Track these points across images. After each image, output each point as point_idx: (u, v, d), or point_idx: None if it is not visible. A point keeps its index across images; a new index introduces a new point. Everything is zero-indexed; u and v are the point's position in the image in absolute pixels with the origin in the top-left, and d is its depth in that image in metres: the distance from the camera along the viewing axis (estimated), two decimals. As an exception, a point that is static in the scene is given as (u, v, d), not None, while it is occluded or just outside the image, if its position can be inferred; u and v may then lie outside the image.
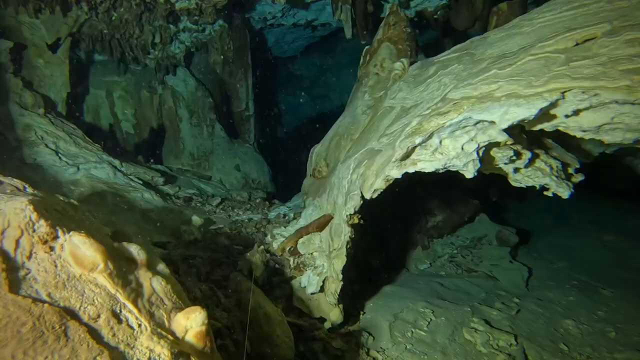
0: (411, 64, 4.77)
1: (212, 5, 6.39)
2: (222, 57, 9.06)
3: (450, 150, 2.98)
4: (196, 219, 5.20)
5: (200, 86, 9.36)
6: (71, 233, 1.69)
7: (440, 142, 3.00)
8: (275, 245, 4.85)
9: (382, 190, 3.31)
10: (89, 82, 8.18)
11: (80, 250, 1.65)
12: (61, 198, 2.52)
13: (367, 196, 3.44)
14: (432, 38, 10.11)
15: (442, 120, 2.89)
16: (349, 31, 6.91)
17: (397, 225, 6.93)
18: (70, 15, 6.10)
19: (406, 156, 3.02)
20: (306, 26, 10.59)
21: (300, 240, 4.49)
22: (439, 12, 7.96)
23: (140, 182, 5.98)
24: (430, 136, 2.94)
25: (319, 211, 4.76)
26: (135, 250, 1.94)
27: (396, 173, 3.09)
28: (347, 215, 3.76)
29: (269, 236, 5.30)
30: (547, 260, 7.21)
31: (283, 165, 14.70)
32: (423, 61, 4.63)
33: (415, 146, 2.94)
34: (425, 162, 3.01)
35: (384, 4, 7.60)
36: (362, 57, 5.64)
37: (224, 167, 9.40)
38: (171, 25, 7.33)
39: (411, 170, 3.06)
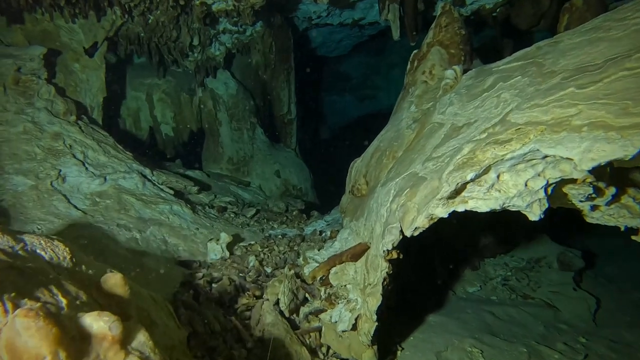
0: (465, 71, 4.16)
1: (249, 7, 6.06)
2: (263, 58, 8.76)
3: (510, 188, 2.40)
4: (224, 237, 4.89)
5: (242, 89, 9.12)
6: (17, 312, 1.34)
7: (498, 176, 2.43)
8: (306, 270, 4.43)
9: (424, 229, 2.78)
10: (129, 84, 8.16)
11: (20, 339, 1.29)
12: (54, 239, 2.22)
13: (407, 233, 2.92)
14: (488, 37, 9.25)
15: (501, 151, 2.32)
16: (397, 32, 6.34)
17: (442, 244, 6.31)
18: (107, 19, 5.98)
19: (455, 193, 2.48)
20: (353, 25, 10.08)
21: (333, 270, 4.04)
22: (498, 10, 7.17)
23: (172, 192, 5.77)
24: (486, 171, 2.37)
25: (355, 237, 4.28)
26: (105, 323, 1.56)
27: (442, 212, 2.56)
28: (384, 251, 3.26)
29: (301, 258, 4.90)
30: (620, 289, 6.27)
31: (327, 170, 14.31)
32: (479, 69, 4.00)
33: (467, 182, 2.39)
34: (479, 201, 2.45)
35: (436, 1, 6.95)
36: (409, 63, 5.08)
37: (263, 173, 9.12)
38: (210, 27, 7.10)
39: (460, 209, 2.52)
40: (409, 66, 5.07)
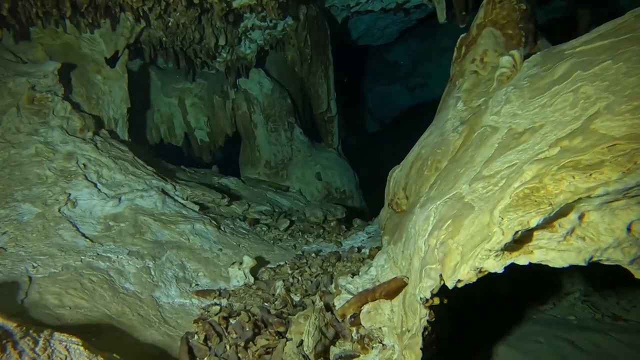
0: (527, 56, 3.27)
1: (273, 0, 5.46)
2: (299, 53, 8.14)
3: (602, 233, 1.59)
4: (248, 261, 4.36)
5: (277, 87, 8.57)
6: None
7: (581, 217, 1.63)
8: (337, 302, 3.79)
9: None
10: (161, 90, 7.90)
11: None
12: None
13: (449, 284, 2.18)
14: (558, 9, 7.96)
15: (586, 183, 1.52)
16: (443, 14, 5.45)
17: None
18: (125, 26, 5.64)
19: (513, 242, 1.71)
20: (397, 10, 9.19)
21: (365, 308, 3.36)
22: (568, -26, 6.00)
23: (197, 207, 5.34)
24: (562, 212, 1.59)
25: (393, 266, 3.56)
26: None
27: (494, 265, 1.80)
28: (421, 298, 2.53)
29: (333, 284, 4.25)
30: None
31: (375, 166, 13.50)
32: (545, 52, 3.11)
33: (532, 229, 1.61)
34: (550, 252, 1.68)
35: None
36: (455, 50, 4.22)
37: (303, 176, 8.55)
38: (235, 25, 6.59)
39: (523, 262, 1.75)
40: (455, 54, 4.21)
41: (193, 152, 8.52)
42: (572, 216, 1.62)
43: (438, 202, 2.75)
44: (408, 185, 3.84)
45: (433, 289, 2.42)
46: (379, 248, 4.76)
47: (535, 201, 1.66)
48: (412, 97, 15.57)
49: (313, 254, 5.10)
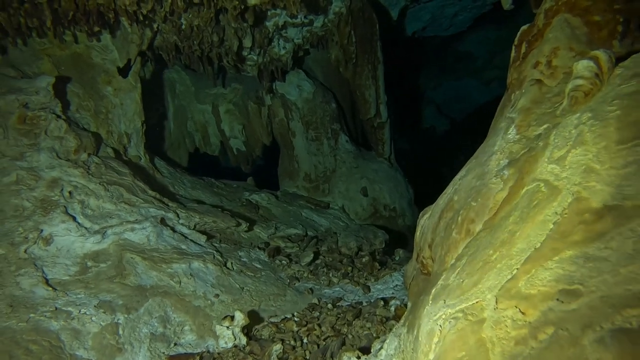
0: (623, 58, 2.03)
1: (294, -8, 4.56)
2: (342, 52, 7.14)
3: None
4: (239, 318, 3.56)
5: (320, 91, 7.65)
6: None
7: None
8: (334, 393, 2.85)
9: None
10: (196, 97, 7.37)
11: None
12: None
13: None
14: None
15: None
16: (507, -4, 4.13)
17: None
18: (135, 32, 5.08)
19: None
20: (462, -6, 7.78)
21: None
22: None
23: (203, 238, 4.66)
24: None
25: (402, 357, 2.53)
26: None
27: None
28: None
29: (345, 356, 3.29)
30: None
31: (444, 171, 12.07)
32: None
33: None
34: None
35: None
36: (513, 48, 3.00)
37: (347, 191, 7.58)
38: (262, 24, 5.78)
39: None
40: (512, 53, 2.99)
41: (228, 162, 7.95)
42: None
43: (450, 311, 1.69)
44: (434, 244, 2.74)
45: None
46: (407, 307, 3.70)
47: None
48: (489, 92, 13.76)
49: (330, 305, 4.16)
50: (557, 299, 1.25)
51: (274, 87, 7.20)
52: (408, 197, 7.91)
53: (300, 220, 6.62)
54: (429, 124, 15.31)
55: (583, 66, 2.05)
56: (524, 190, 1.93)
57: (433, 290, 2.15)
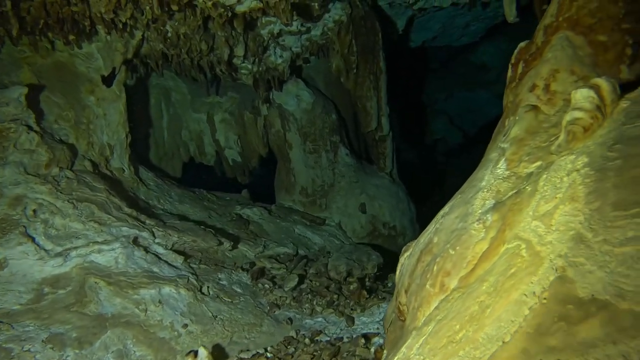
0: (630, 85, 1.66)
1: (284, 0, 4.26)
2: (343, 61, 6.82)
3: None
4: (203, 355, 3.23)
5: (320, 101, 7.33)
6: None
7: None
8: None
9: None
10: (191, 105, 7.13)
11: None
12: None
13: None
14: None
15: None
16: (512, 9, 3.76)
17: None
18: (119, 40, 4.85)
19: None
20: (472, 4, 7.40)
21: None
22: None
23: (180, 259, 4.37)
24: None
25: None
26: None
27: None
28: None
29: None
30: None
31: (455, 183, 11.62)
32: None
33: None
34: None
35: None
36: (510, 67, 2.65)
37: (346, 207, 7.22)
38: (254, 31, 5.50)
39: None
40: (509, 73, 2.64)
41: (224, 173, 7.68)
42: None
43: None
44: (410, 291, 2.38)
45: None
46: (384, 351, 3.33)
47: None
48: (501, 105, 13.27)
49: (307, 339, 3.80)
50: None
51: (271, 97, 6.92)
52: (410, 215, 7.52)
53: (292, 238, 6.30)
54: (440, 135, 14.87)
55: (582, 96, 1.68)
56: (503, 249, 1.58)
57: (405, 345, 1.81)
